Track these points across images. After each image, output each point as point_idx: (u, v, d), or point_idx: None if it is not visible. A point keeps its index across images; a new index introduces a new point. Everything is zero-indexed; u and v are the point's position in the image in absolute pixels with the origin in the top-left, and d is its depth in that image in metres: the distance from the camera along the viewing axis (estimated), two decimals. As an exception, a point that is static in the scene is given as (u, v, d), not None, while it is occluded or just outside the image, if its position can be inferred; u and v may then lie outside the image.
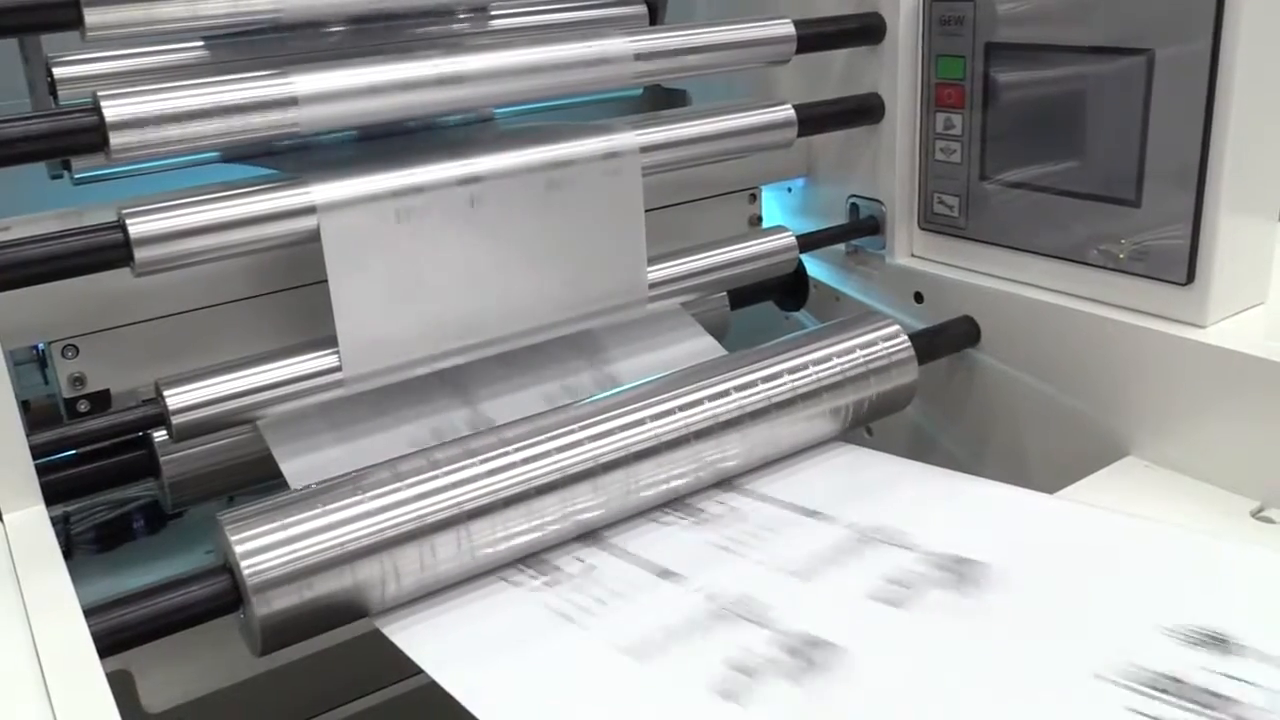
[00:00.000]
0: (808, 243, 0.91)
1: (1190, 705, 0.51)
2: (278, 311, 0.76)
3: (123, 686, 0.78)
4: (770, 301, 1.01)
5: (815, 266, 1.00)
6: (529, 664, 0.59)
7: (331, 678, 0.87)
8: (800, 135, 0.85)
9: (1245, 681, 0.52)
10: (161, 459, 0.72)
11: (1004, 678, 0.54)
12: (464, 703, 0.55)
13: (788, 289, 1.00)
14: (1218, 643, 0.55)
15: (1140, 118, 0.75)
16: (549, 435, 0.68)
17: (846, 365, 0.78)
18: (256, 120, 0.65)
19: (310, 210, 0.66)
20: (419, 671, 0.58)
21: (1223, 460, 0.74)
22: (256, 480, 0.75)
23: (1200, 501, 0.73)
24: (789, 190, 1.01)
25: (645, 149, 0.77)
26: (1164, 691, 0.52)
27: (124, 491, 0.89)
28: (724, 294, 0.92)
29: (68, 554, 0.87)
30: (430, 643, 0.61)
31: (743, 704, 0.53)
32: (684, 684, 0.55)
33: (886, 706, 0.53)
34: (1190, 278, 0.75)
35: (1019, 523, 0.69)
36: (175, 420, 0.65)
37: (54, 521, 0.87)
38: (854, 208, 0.95)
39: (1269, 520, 0.71)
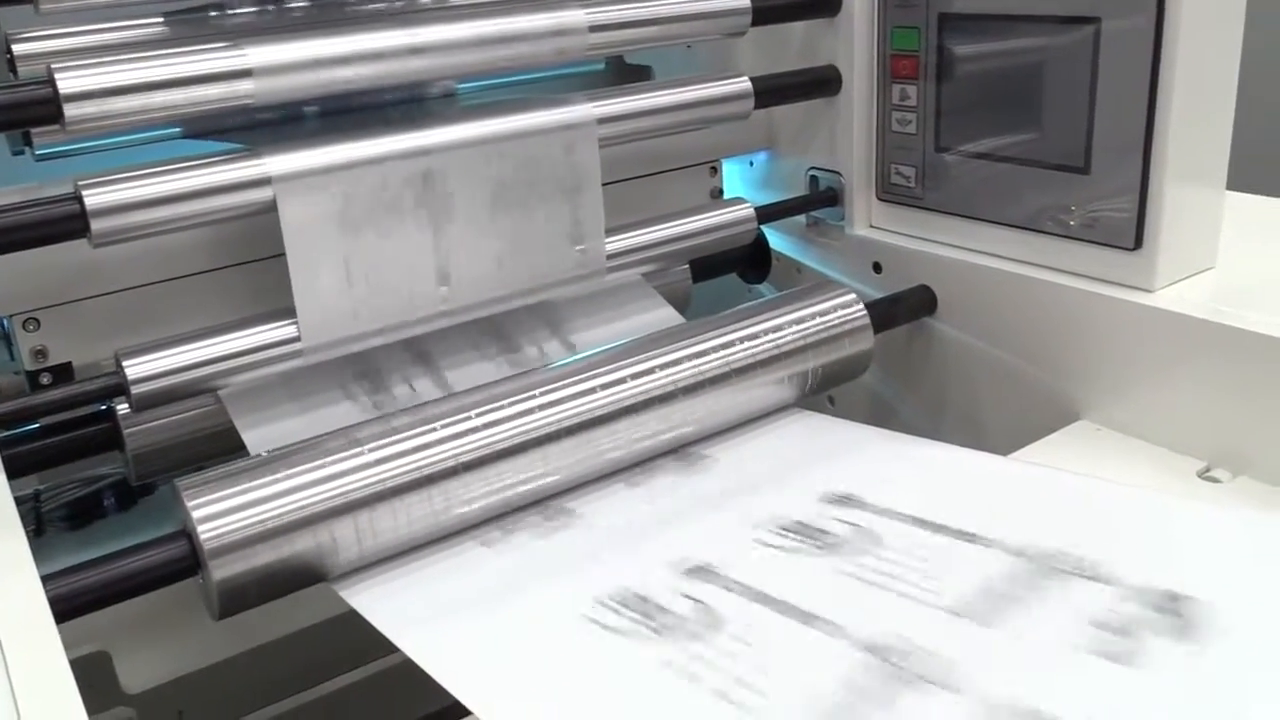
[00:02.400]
0: (767, 214, 0.92)
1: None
2: (240, 284, 0.76)
3: (101, 667, 0.79)
4: (733, 274, 1.02)
5: (777, 239, 1.01)
6: (491, 626, 0.59)
7: (309, 656, 0.88)
8: (758, 107, 0.86)
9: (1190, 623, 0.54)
10: (125, 431, 0.73)
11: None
12: (423, 665, 0.55)
13: (750, 261, 1.01)
14: (1170, 600, 0.56)
15: (1088, 87, 0.76)
16: (506, 401, 0.69)
17: (803, 332, 0.79)
18: (211, 92, 0.65)
19: (265, 182, 0.67)
20: (397, 649, 0.59)
21: (1170, 422, 0.75)
22: (222, 452, 0.76)
23: (1148, 462, 0.75)
24: (750, 164, 1.02)
25: (602, 120, 0.78)
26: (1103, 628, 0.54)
27: (94, 470, 0.90)
28: (686, 267, 0.93)
29: (39, 532, 0.88)
30: (389, 606, 0.62)
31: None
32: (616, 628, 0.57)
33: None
34: (1138, 243, 0.76)
35: (969, 483, 0.70)
36: (135, 390, 0.66)
37: (24, 500, 0.88)
38: (813, 180, 0.96)
39: (1214, 480, 0.72)
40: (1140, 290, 0.77)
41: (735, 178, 1.02)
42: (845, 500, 0.69)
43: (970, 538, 0.63)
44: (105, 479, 0.92)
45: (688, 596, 0.60)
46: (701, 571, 0.62)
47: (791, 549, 0.64)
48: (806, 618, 0.56)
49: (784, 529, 0.66)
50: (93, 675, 0.79)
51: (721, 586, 0.60)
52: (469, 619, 0.60)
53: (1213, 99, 0.76)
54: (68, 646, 0.46)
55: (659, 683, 0.53)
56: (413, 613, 0.61)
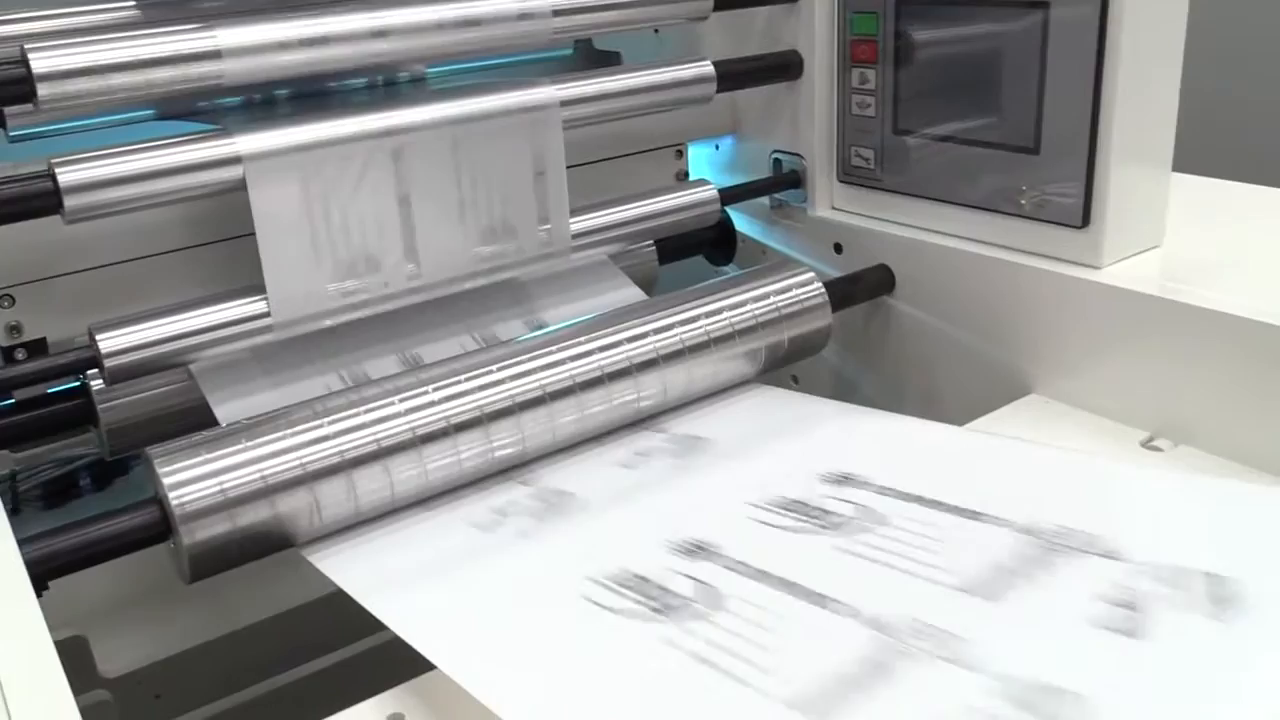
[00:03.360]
0: (731, 196, 0.94)
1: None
2: (213, 262, 0.78)
3: (78, 651, 0.81)
4: (700, 256, 1.04)
5: (742, 221, 1.03)
6: (474, 597, 0.61)
7: (286, 640, 0.89)
8: (720, 91, 0.88)
9: (1126, 586, 0.55)
10: (99, 406, 0.74)
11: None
12: (395, 628, 0.56)
13: (716, 243, 1.03)
14: (1108, 555, 0.58)
15: (1038, 71, 0.79)
16: (472, 374, 0.71)
17: (762, 309, 0.81)
18: (181, 72, 0.67)
19: (235, 161, 0.68)
20: (375, 631, 0.60)
21: (1116, 394, 0.78)
22: (195, 428, 0.77)
23: (1094, 433, 0.77)
24: (716, 148, 1.04)
25: (565, 102, 0.80)
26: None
27: (70, 450, 0.91)
28: (653, 248, 0.95)
29: (14, 511, 0.89)
30: (357, 570, 0.64)
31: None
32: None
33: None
34: (1086, 221, 0.79)
35: (965, 460, 0.72)
36: (108, 364, 0.68)
37: (0, 480, 0.89)
38: (776, 163, 0.98)
39: (1157, 449, 0.75)
40: (1088, 267, 0.79)
41: (702, 162, 1.04)
42: (844, 480, 0.69)
43: (973, 516, 0.64)
44: (81, 459, 0.94)
45: (688, 576, 0.60)
46: (701, 550, 0.62)
47: (793, 528, 0.64)
48: (811, 596, 0.57)
49: (783, 508, 0.66)
50: (70, 660, 0.80)
51: (722, 566, 0.60)
52: (449, 588, 0.61)
53: (1157, 83, 0.78)
54: (44, 631, 0.47)
55: (662, 660, 0.52)
56: (389, 581, 0.62)
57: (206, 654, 0.85)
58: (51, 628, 0.48)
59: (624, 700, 0.50)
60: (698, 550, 0.62)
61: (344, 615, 0.61)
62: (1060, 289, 0.80)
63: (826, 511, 0.66)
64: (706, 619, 0.55)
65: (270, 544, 0.64)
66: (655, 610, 0.56)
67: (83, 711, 0.43)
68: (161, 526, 0.62)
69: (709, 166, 1.05)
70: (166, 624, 0.84)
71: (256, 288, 0.71)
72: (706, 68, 0.87)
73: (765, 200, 1.00)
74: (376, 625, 0.58)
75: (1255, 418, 0.70)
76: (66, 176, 0.64)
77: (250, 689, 0.90)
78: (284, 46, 0.70)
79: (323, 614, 0.82)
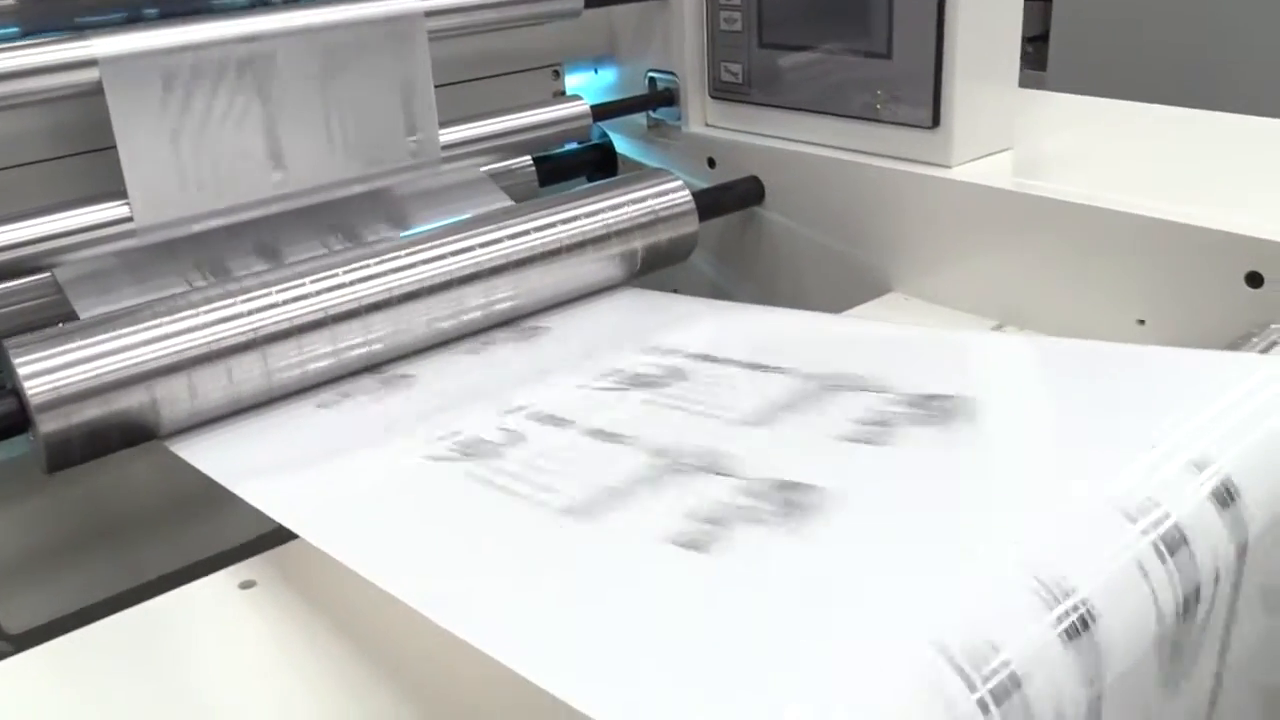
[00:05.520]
0: (604, 112, 0.96)
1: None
2: (82, 173, 0.78)
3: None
4: (582, 178, 1.06)
5: (623, 143, 1.05)
6: (323, 471, 0.63)
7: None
8: (589, 7, 0.90)
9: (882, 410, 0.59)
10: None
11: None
12: (270, 513, 0.57)
13: (597, 165, 1.05)
14: (929, 400, 0.61)
15: (890, -27, 0.82)
16: (335, 271, 0.72)
17: (629, 215, 0.83)
18: (31, -27, 0.68)
19: (91, 63, 0.69)
20: None
21: (968, 287, 0.81)
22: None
23: (947, 323, 0.81)
24: (595, 72, 1.06)
25: (430, 13, 0.81)
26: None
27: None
28: (532, 169, 0.97)
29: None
30: (227, 459, 0.65)
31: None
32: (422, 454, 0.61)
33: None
34: (935, 122, 0.82)
35: (787, 333, 0.76)
36: (-34, 266, 0.68)
37: None
38: (651, 81, 1.00)
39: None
40: (939, 166, 0.82)
41: (581, 87, 1.06)
42: (668, 351, 0.73)
43: (765, 369, 0.67)
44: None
45: (502, 429, 0.64)
46: (519, 410, 0.66)
47: (605, 388, 0.68)
48: (604, 435, 0.61)
49: (602, 375, 0.70)
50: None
51: (530, 418, 0.65)
52: (301, 465, 0.64)
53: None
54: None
55: (460, 490, 0.57)
56: (245, 462, 0.64)
57: (112, 608, 0.86)
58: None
59: (417, 520, 0.56)
60: (515, 411, 0.66)
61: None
62: (914, 188, 0.83)
63: (639, 374, 0.70)
64: (505, 457, 0.60)
65: (128, 435, 0.65)
66: (465, 455, 0.61)
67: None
68: (19, 417, 0.62)
69: (589, 92, 1.06)
70: (72, 579, 0.84)
71: (119, 192, 0.72)
72: (574, -18, 0.89)
73: (643, 121, 1.02)
74: None
75: (1088, 295, 0.74)
76: (-86, 75, 0.64)
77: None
78: (138, -50, 0.71)
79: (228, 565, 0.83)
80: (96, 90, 0.69)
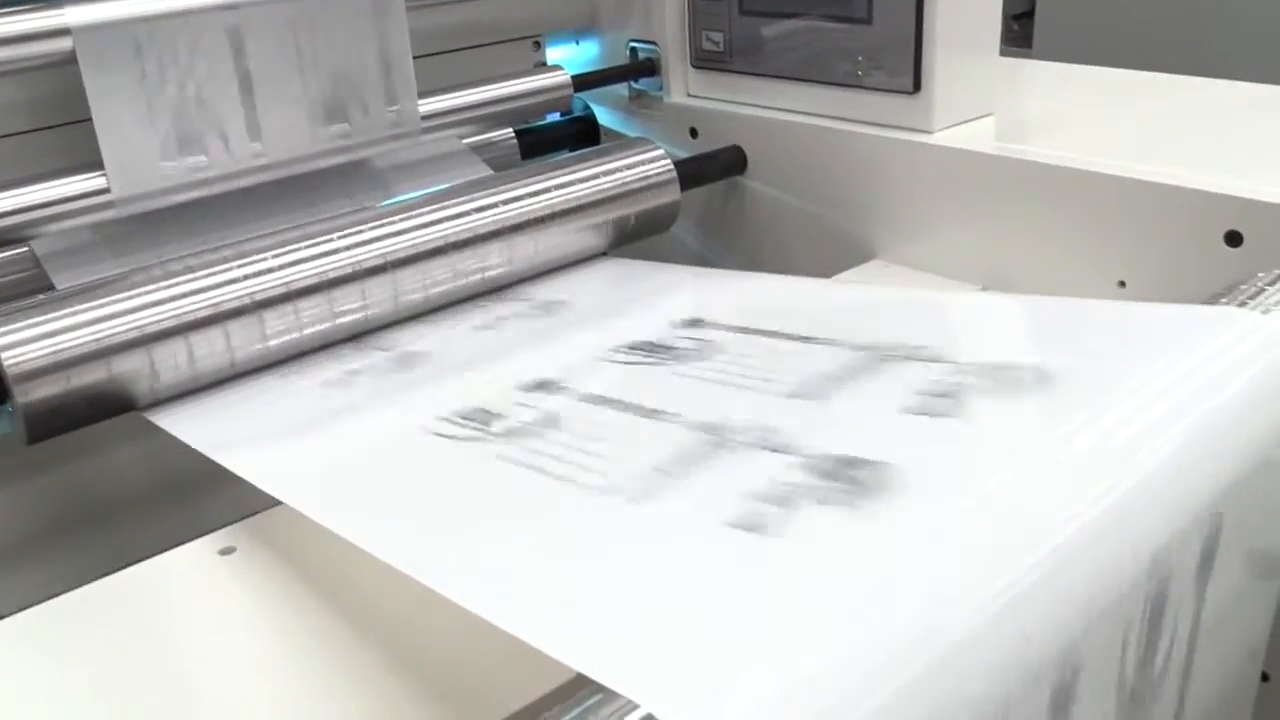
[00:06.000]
0: (585, 83, 0.96)
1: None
2: (60, 147, 0.78)
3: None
4: (565, 151, 1.05)
5: (605, 115, 1.04)
6: (320, 443, 0.62)
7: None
8: (566, -26, 0.90)
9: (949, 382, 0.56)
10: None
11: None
12: (238, 472, 0.57)
13: (580, 136, 1.04)
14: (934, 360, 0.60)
15: (869, -60, 0.81)
16: (316, 240, 0.71)
17: (611, 183, 0.83)
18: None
19: (65, 32, 0.69)
20: None
21: (950, 253, 0.81)
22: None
23: (930, 288, 0.80)
24: (577, 43, 1.05)
25: (408, -18, 0.81)
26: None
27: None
28: (514, 141, 0.97)
29: None
30: (208, 429, 0.65)
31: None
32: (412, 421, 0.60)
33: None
34: (917, 87, 0.82)
35: (769, 296, 0.76)
36: (-57, 239, 0.68)
37: None
38: (633, 52, 1.00)
39: (986, 299, 0.78)
40: (921, 132, 0.82)
41: (565, 61, 1.05)
42: (694, 323, 0.71)
43: (811, 340, 0.65)
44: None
45: (529, 406, 0.61)
46: (546, 386, 0.64)
47: (637, 362, 0.66)
48: (643, 411, 0.58)
49: (631, 348, 0.68)
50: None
51: (563, 396, 0.62)
52: (297, 437, 0.63)
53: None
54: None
55: (495, 470, 0.54)
56: (234, 436, 0.63)
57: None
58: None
59: (448, 503, 0.53)
60: (543, 386, 0.64)
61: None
62: (896, 154, 0.83)
63: (671, 347, 0.67)
64: (541, 437, 0.57)
65: (111, 406, 0.65)
66: (496, 435, 0.58)
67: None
68: (-3, 388, 0.62)
69: (571, 64, 1.06)
70: (57, 564, 0.84)
71: (97, 164, 0.72)
72: (551, -51, 0.88)
73: (625, 93, 1.01)
74: None
75: (1069, 259, 0.74)
76: (-115, 45, 0.64)
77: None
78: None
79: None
80: (70, 60, 0.69)
